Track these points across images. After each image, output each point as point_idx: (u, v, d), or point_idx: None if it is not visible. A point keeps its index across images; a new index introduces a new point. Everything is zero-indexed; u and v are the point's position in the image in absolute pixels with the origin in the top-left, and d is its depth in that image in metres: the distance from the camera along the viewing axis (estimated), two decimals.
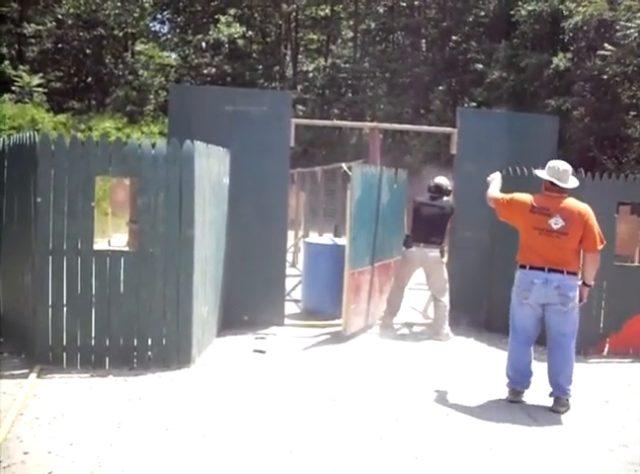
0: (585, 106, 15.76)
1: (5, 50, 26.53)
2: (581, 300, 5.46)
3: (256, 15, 29.42)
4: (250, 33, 27.09)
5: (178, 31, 29.21)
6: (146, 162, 6.06)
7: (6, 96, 23.77)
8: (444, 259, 7.96)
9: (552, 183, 5.45)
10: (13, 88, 23.98)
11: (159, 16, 31.21)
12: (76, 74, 26.87)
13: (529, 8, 16.58)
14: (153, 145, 6.19)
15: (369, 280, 7.80)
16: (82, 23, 26.69)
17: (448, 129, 8.55)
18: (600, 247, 5.42)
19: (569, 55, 15.64)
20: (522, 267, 5.47)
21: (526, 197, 5.53)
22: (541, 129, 8.59)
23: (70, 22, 26.43)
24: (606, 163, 15.09)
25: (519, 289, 5.50)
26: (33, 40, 26.60)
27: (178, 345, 6.18)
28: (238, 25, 26.09)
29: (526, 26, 16.89)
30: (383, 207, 7.98)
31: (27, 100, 23.86)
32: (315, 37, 30.77)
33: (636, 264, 8.18)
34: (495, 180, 6.04)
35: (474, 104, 20.56)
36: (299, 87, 30.41)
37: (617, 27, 14.52)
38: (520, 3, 17.14)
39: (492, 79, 17.95)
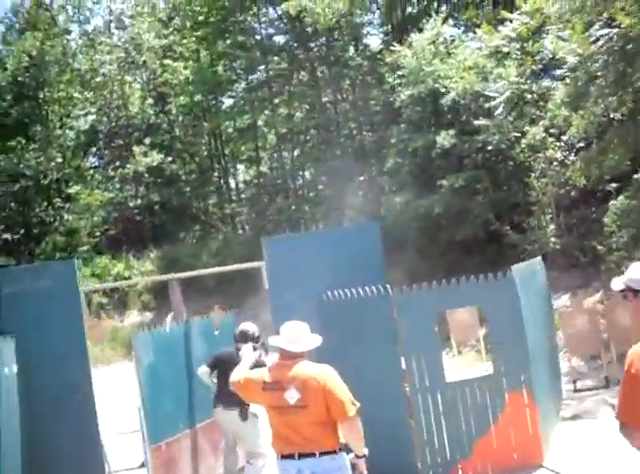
0: (479, 180, 15.42)
1: None
2: None
3: (180, 135, 29.65)
4: (169, 158, 27.14)
5: (101, 168, 29.33)
6: None
7: None
8: (251, 418, 6.84)
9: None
10: None
11: (92, 152, 31.52)
12: (6, 230, 26.69)
13: (407, 93, 16.51)
14: None
15: (192, 445, 7.12)
16: (6, 177, 26.69)
17: (255, 264, 8.04)
18: (351, 413, 4.39)
19: (451, 132, 15.38)
20: (277, 457, 4.57)
21: (260, 374, 4.72)
22: (362, 239, 8.08)
23: None
24: (510, 235, 14.59)
25: None
26: None
27: None
28: (155, 153, 26.17)
29: (409, 110, 16.78)
30: (199, 360, 7.40)
31: None
32: (244, 147, 30.84)
33: (468, 377, 7.47)
34: (245, 357, 5.15)
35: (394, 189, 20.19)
36: (238, 197, 30.41)
37: (483, 98, 14.39)
38: (399, 89, 17.10)
39: (389, 166, 17.74)
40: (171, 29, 28.62)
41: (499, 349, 7.03)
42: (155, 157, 26.02)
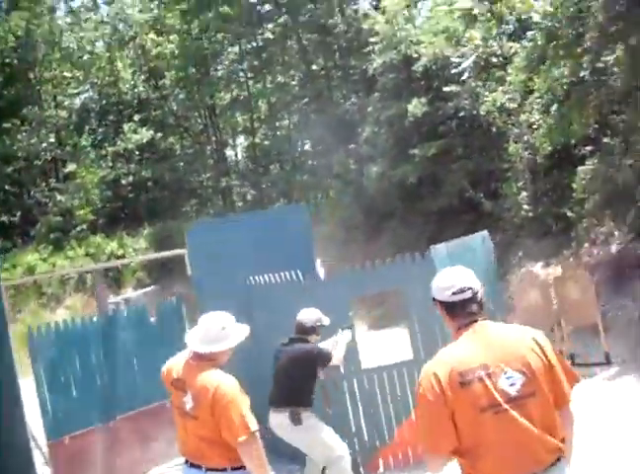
0: (453, 147, 15.01)
1: None
2: None
3: (173, 110, 29.38)
4: (159, 134, 26.88)
5: (95, 147, 29.18)
6: None
7: None
8: (308, 423, 5.72)
9: None
10: None
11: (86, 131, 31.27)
12: (3, 213, 26.74)
13: (379, 60, 16.07)
14: None
15: (106, 439, 7.02)
16: None
17: (178, 251, 7.87)
18: (241, 438, 3.83)
19: (423, 100, 14.94)
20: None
21: (173, 364, 4.25)
22: (289, 222, 7.90)
23: None
24: (484, 203, 14.21)
25: None
26: None
27: None
28: (144, 129, 25.94)
29: (384, 77, 16.35)
30: (127, 351, 7.35)
31: None
32: (240, 119, 30.43)
33: (384, 364, 7.20)
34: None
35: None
36: (237, 169, 30.16)
37: (452, 63, 13.93)
38: (372, 56, 16.65)
39: (367, 136, 17.39)
40: (156, 2, 28.14)
41: (417, 333, 6.78)
42: (145, 134, 25.79)
